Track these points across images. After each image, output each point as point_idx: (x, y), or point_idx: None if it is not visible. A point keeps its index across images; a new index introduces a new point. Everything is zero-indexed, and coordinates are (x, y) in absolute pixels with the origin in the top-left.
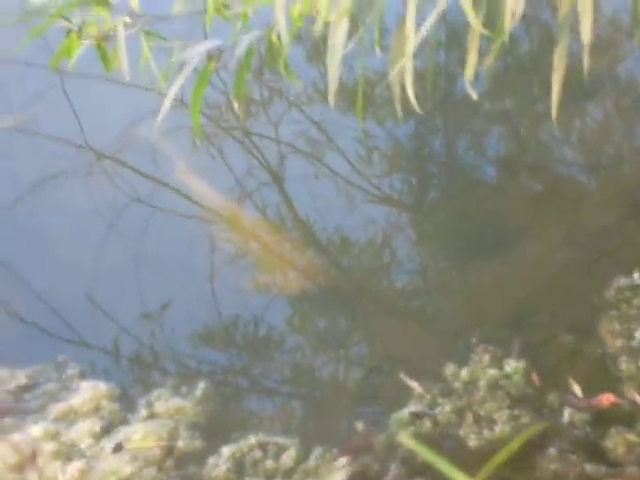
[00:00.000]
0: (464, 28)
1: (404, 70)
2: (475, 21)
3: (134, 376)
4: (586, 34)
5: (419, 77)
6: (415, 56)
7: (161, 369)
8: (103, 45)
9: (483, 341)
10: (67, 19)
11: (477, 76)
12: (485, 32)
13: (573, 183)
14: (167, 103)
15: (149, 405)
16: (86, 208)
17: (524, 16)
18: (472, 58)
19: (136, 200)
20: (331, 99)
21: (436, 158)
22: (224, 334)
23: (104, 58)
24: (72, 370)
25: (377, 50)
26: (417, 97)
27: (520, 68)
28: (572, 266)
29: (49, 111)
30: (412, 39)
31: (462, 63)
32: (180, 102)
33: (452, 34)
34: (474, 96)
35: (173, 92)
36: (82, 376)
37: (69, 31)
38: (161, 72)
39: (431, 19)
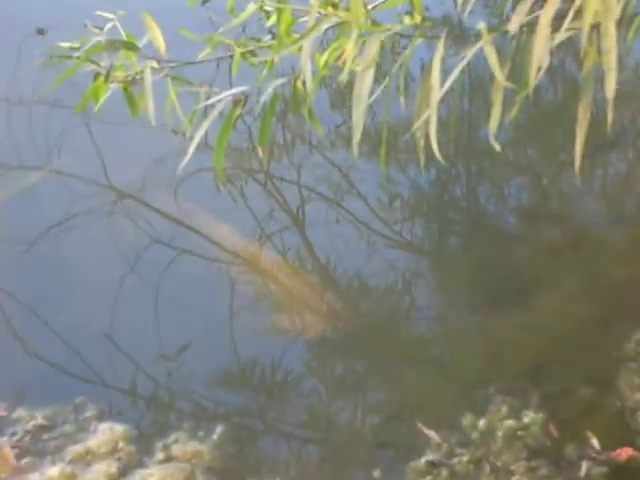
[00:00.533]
0: (488, 76)
1: (428, 120)
2: (500, 75)
3: (152, 418)
4: (610, 90)
5: (443, 126)
6: (439, 106)
7: (179, 411)
8: (130, 89)
9: (501, 392)
10: (95, 62)
11: (501, 125)
12: (510, 85)
13: (594, 234)
14: (192, 148)
15: (166, 448)
16: (108, 248)
17: (549, 66)
18: (496, 111)
19: (157, 241)
20: (355, 148)
21: (458, 206)
22: (242, 377)
23: (131, 102)
24: (90, 412)
25: (402, 99)
26: (440, 145)
27: (544, 118)
28: (591, 318)
29: (74, 151)
30: (437, 91)
31: (486, 111)
32: (204, 144)
33: (476, 81)
34: (497, 148)
35: (198, 137)
36: (99, 417)
37: (96, 75)
38: (186, 117)
39: (456, 71)
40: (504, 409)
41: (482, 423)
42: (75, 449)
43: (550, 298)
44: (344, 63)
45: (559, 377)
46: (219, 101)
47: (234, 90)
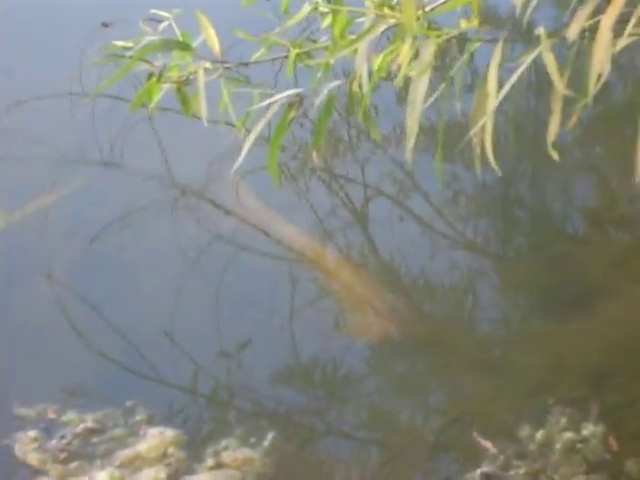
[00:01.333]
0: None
1: (484, 128)
2: (559, 83)
3: (203, 423)
4: None
5: (502, 130)
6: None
7: (231, 416)
8: (183, 89)
9: (561, 402)
10: (149, 62)
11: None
12: (569, 93)
13: None
14: (245, 151)
15: (216, 454)
16: (170, 244)
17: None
18: (555, 120)
19: (219, 237)
20: (409, 155)
21: (522, 206)
22: (299, 378)
23: (184, 102)
24: (140, 415)
25: (458, 105)
26: (500, 149)
27: (613, 116)
28: None
29: (137, 146)
30: (493, 97)
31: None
32: (266, 140)
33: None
34: (556, 157)
35: (251, 139)
36: (150, 422)
37: (150, 74)
38: (239, 118)
39: (513, 78)
40: (563, 420)
41: (540, 435)
42: (124, 453)
43: (615, 304)
44: (399, 67)
45: (621, 388)
46: (274, 103)
47: (289, 92)
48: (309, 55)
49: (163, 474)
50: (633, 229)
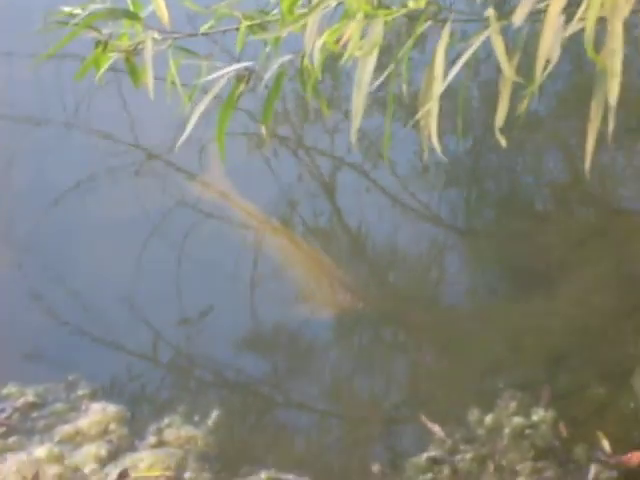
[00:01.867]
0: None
1: (430, 112)
2: (507, 67)
3: (146, 399)
4: (613, 97)
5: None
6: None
7: (175, 392)
8: (132, 59)
9: (512, 385)
10: (97, 30)
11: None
12: (517, 80)
13: (624, 220)
14: (190, 126)
15: (159, 432)
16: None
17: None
18: (503, 106)
19: (183, 203)
20: (353, 137)
21: (487, 181)
22: (251, 350)
23: (132, 73)
24: (83, 390)
25: (404, 87)
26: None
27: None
28: (614, 310)
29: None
30: (439, 82)
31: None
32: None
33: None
34: (503, 144)
35: (197, 115)
36: (92, 397)
37: (97, 42)
38: (187, 92)
39: (460, 62)
40: (513, 405)
41: (489, 419)
42: (65, 429)
43: (574, 286)
44: (344, 46)
45: (573, 372)
46: (221, 76)
47: (237, 65)
48: (262, 27)
49: (104, 451)
50: (596, 207)
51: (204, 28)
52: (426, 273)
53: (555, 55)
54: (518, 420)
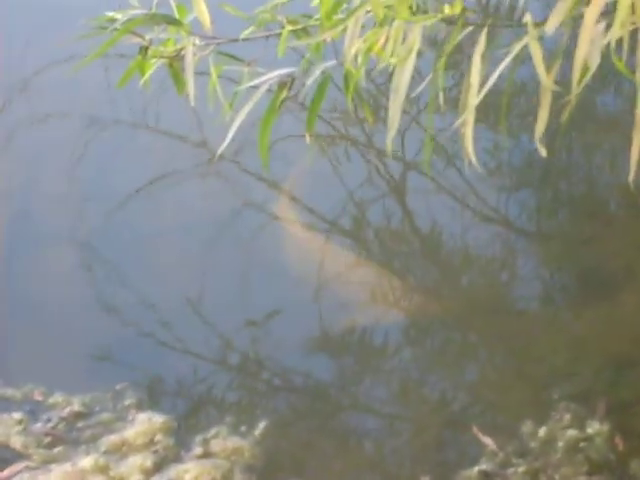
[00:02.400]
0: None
1: (466, 121)
2: (544, 75)
3: (194, 409)
4: None
5: None
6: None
7: (223, 402)
8: (176, 65)
9: (568, 396)
10: (140, 35)
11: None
12: (557, 89)
13: None
14: (231, 133)
15: (205, 443)
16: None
17: None
18: (542, 115)
19: (250, 204)
20: (389, 144)
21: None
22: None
23: (176, 79)
24: (129, 400)
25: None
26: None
27: None
28: None
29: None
30: (475, 89)
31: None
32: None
33: None
34: (543, 154)
35: (239, 121)
36: (139, 406)
37: (142, 48)
38: (227, 99)
39: (499, 69)
40: (567, 417)
41: (542, 432)
42: (111, 439)
43: (638, 295)
44: (378, 53)
45: (634, 383)
46: (263, 83)
47: (280, 71)
48: (306, 32)
49: (149, 462)
50: None
51: (245, 33)
52: (488, 279)
53: (594, 62)
54: (572, 433)
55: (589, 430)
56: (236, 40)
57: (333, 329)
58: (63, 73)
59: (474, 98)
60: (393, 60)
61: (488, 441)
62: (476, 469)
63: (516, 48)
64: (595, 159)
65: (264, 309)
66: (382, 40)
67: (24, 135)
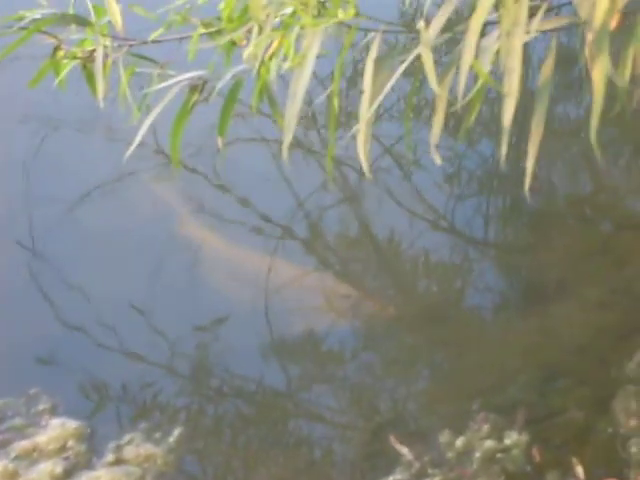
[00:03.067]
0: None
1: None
2: (433, 82)
3: (108, 415)
4: (507, 119)
5: None
6: None
7: (139, 408)
8: (89, 66)
9: (488, 407)
10: (53, 35)
11: None
12: (441, 93)
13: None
14: (139, 136)
15: (118, 449)
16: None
17: None
18: (438, 121)
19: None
20: (285, 151)
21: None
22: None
23: (90, 80)
24: (43, 405)
25: (335, 101)
26: None
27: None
28: (609, 331)
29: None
30: (367, 97)
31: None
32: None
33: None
34: (438, 161)
35: (146, 126)
36: (53, 411)
37: (55, 48)
38: (137, 102)
39: (395, 76)
40: (485, 428)
41: (459, 442)
42: (22, 445)
43: (568, 305)
44: (270, 57)
45: (557, 394)
46: (173, 85)
47: (191, 74)
48: (221, 34)
49: (60, 468)
50: (599, 229)
51: (153, 35)
52: (431, 286)
53: (484, 70)
54: (490, 443)
55: (507, 441)
56: (146, 42)
57: (281, 335)
58: None
59: (367, 104)
60: (287, 65)
61: (405, 451)
62: (390, 479)
63: (412, 54)
64: (545, 169)
65: (213, 314)
66: (275, 45)
67: None
